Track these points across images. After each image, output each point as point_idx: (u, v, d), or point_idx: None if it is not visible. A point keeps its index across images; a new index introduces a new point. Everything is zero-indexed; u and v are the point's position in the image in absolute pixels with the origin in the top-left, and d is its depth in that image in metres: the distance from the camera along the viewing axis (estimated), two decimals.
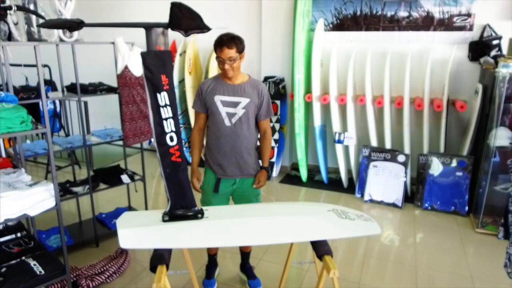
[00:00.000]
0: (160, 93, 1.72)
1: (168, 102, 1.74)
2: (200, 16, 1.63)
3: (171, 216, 1.82)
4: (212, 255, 2.57)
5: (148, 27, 1.70)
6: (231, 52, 2.07)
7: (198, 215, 1.85)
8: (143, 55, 1.69)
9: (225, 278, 2.64)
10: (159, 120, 1.75)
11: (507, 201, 2.20)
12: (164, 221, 1.81)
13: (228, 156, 2.23)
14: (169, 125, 1.77)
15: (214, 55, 4.46)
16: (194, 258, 2.39)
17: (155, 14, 4.94)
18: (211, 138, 2.25)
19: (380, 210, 3.75)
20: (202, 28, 1.68)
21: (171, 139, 1.78)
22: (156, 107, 1.74)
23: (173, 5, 1.60)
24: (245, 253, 2.58)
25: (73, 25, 1.74)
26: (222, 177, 2.27)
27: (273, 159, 4.44)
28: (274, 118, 4.37)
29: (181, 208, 1.84)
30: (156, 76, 1.70)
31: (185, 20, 1.65)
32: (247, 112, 2.19)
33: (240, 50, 2.11)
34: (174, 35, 4.67)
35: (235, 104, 2.18)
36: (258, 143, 2.35)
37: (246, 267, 2.59)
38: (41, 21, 2.51)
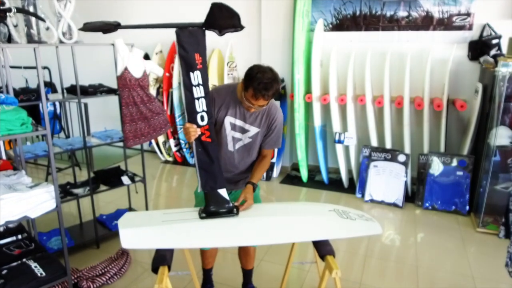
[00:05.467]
0: (193, 72, 1.73)
1: (201, 82, 1.75)
2: (238, 15, 1.61)
3: (207, 213, 1.83)
4: (207, 270, 2.40)
5: (183, 27, 1.69)
6: (265, 102, 1.83)
7: (233, 210, 1.85)
8: (177, 32, 1.69)
9: (225, 279, 2.64)
10: (191, 99, 1.76)
11: (508, 200, 2.21)
12: (201, 218, 1.82)
13: (225, 174, 2.03)
14: (200, 105, 1.77)
15: (214, 56, 4.50)
16: (196, 259, 2.38)
17: (154, 14, 4.95)
18: None
19: (380, 210, 3.75)
20: (237, 27, 1.67)
21: (202, 118, 1.79)
22: (189, 86, 1.74)
23: (214, 5, 1.58)
24: (247, 270, 2.41)
25: (110, 28, 1.74)
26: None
27: (273, 160, 4.44)
28: None
29: (211, 189, 1.85)
30: (190, 55, 1.70)
31: (223, 20, 1.65)
32: (253, 141, 2.04)
33: (276, 94, 1.84)
34: (174, 37, 4.66)
35: (243, 131, 2.01)
36: None
37: (248, 287, 2.45)
38: (41, 22, 2.51)
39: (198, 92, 1.76)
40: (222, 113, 1.96)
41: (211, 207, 1.84)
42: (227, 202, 1.87)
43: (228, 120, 1.98)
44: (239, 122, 1.99)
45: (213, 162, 1.85)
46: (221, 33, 1.71)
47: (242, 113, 1.97)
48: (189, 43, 1.70)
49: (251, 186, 1.99)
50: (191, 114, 1.78)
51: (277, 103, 4.24)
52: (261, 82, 1.76)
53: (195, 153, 1.83)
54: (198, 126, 1.79)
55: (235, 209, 1.86)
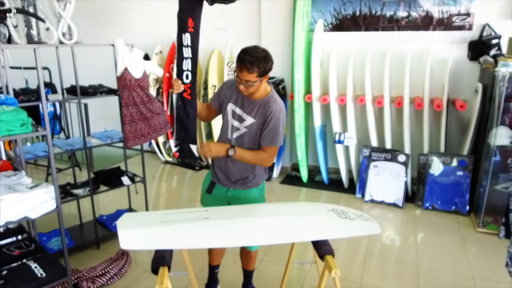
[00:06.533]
0: (185, 33, 1.93)
1: (189, 43, 1.95)
2: None
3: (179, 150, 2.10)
4: (213, 267, 2.41)
5: None
6: (250, 77, 1.85)
7: (196, 166, 2.12)
8: None
9: (226, 279, 2.64)
10: (180, 57, 1.97)
11: (508, 200, 2.21)
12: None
13: (223, 166, 2.11)
14: (187, 64, 1.98)
15: (214, 56, 4.49)
16: (194, 260, 2.38)
17: (154, 14, 4.95)
18: (218, 141, 2.17)
19: (381, 210, 3.75)
20: None
21: (187, 77, 2.00)
22: (180, 46, 1.96)
23: None
24: (247, 271, 2.41)
25: None
26: (216, 182, 2.17)
27: (274, 160, 4.44)
28: None
29: (182, 140, 2.11)
30: (185, 17, 1.90)
31: None
32: (249, 132, 2.02)
33: (262, 73, 1.86)
34: (173, 37, 4.67)
35: (241, 120, 2.03)
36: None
37: None
38: (40, 23, 2.51)
39: (187, 52, 1.96)
40: (226, 99, 2.06)
41: (182, 156, 2.11)
42: (195, 142, 2.13)
43: (230, 107, 2.04)
44: (238, 111, 2.03)
45: (188, 117, 2.06)
46: (212, 2, 1.85)
47: (241, 102, 2.02)
48: (186, 6, 1.89)
49: (228, 145, 1.98)
50: (178, 71, 2.00)
51: None
52: (246, 53, 1.84)
53: (176, 106, 2.05)
54: (183, 83, 2.00)
55: (197, 167, 2.10)
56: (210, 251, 2.36)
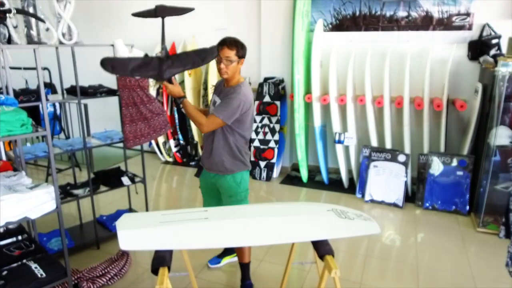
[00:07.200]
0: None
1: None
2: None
3: None
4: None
5: None
6: (230, 53, 2.18)
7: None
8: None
9: (225, 278, 2.64)
10: None
11: (508, 200, 2.21)
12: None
13: (204, 151, 2.41)
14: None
15: None
16: (193, 260, 2.38)
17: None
18: None
19: (381, 210, 3.75)
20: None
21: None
22: None
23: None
24: (243, 264, 2.47)
25: None
26: (202, 165, 2.46)
27: (273, 160, 4.45)
28: (274, 119, 4.38)
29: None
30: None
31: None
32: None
33: (240, 55, 2.21)
34: (173, 38, 4.67)
35: (215, 104, 2.32)
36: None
37: (245, 283, 2.47)
38: (40, 23, 2.51)
39: None
40: (213, 93, 2.40)
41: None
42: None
43: (214, 98, 2.35)
44: (217, 99, 2.31)
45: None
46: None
47: (220, 92, 2.31)
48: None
49: (183, 94, 2.17)
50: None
51: (277, 103, 4.28)
52: (226, 37, 2.22)
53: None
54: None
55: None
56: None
